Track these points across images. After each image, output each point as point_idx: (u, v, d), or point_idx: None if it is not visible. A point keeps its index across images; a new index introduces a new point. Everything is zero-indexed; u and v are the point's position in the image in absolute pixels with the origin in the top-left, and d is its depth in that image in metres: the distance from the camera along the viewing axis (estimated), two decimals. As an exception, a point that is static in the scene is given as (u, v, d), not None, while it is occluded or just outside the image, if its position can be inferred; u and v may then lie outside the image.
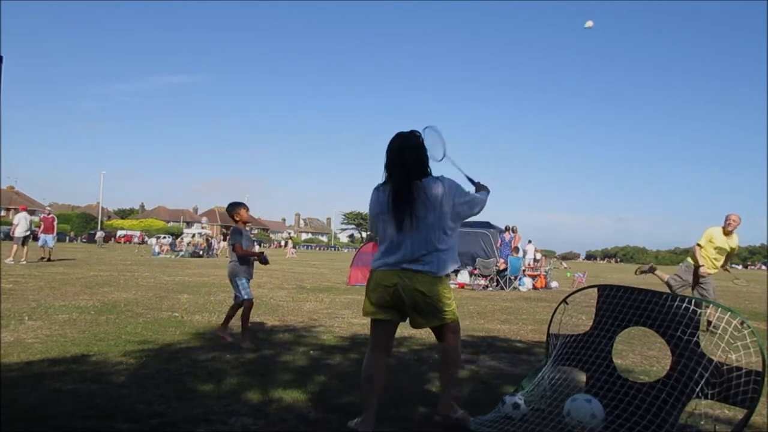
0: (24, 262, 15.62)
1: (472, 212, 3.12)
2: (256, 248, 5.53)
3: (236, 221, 5.40)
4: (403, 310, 3.01)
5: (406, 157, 3.01)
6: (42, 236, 17.43)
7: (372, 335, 3.14)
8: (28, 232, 16.84)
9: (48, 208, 19.01)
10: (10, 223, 18.69)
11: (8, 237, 17.16)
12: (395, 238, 2.98)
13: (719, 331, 3.15)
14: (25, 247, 16.42)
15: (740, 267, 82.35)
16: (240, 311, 5.35)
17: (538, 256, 19.13)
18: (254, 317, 7.17)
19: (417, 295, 2.94)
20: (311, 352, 5.07)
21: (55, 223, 18.06)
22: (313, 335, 6.00)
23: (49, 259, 17.12)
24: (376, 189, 3.12)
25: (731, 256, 7.97)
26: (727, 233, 7.68)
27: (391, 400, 3.54)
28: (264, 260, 5.40)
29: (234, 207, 5.41)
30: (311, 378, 4.06)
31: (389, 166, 3.05)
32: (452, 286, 14.50)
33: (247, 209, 5.48)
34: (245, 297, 5.28)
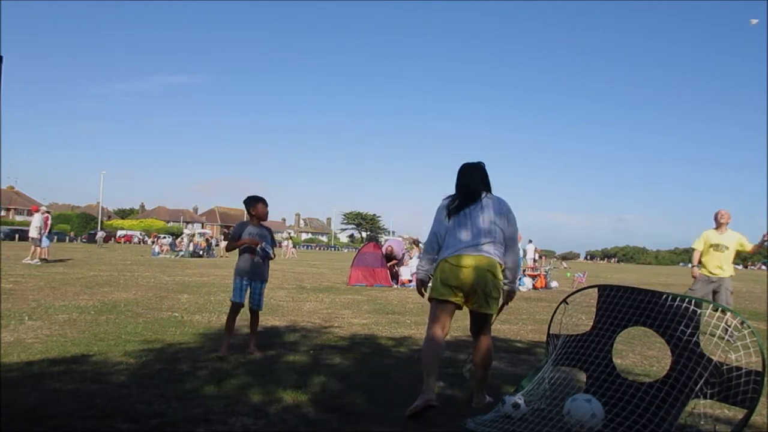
0: (39, 262, 16.30)
1: (512, 236, 3.62)
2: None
3: (251, 215, 4.98)
4: (466, 291, 3.44)
5: (477, 174, 3.74)
6: None
7: (432, 315, 3.56)
8: (39, 232, 17.44)
9: (43, 208, 19.20)
10: (10, 223, 18.84)
11: (8, 236, 17.31)
12: (467, 227, 3.51)
13: (726, 336, 3.15)
14: (38, 248, 17.12)
15: (740, 267, 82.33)
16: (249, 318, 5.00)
17: (537, 256, 19.13)
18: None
19: (488, 276, 3.42)
20: (311, 352, 5.07)
21: (49, 222, 18.21)
22: (314, 335, 6.00)
23: (45, 260, 17.20)
24: (449, 196, 3.72)
25: (753, 254, 7.75)
26: (719, 229, 7.58)
27: (391, 400, 3.54)
28: (262, 255, 4.88)
29: (251, 201, 4.98)
30: (311, 378, 4.06)
31: (462, 183, 3.72)
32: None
33: (266, 204, 5.04)
34: (231, 298, 4.88)
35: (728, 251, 7.51)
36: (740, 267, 79.00)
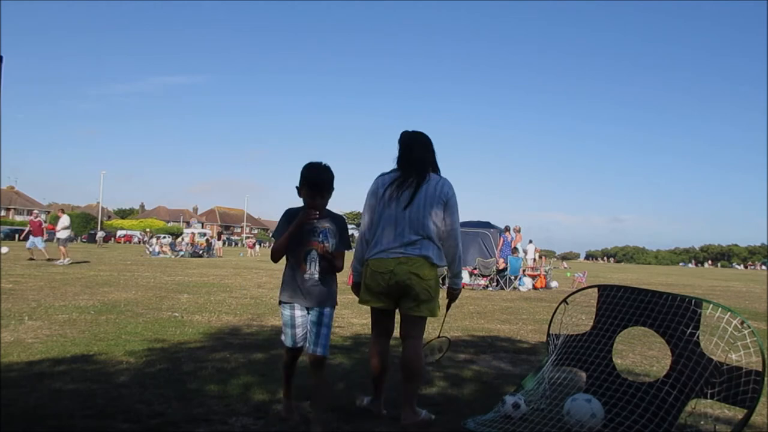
0: (68, 262, 16.72)
1: (452, 235, 3.22)
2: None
3: (300, 196, 3.02)
4: (397, 297, 3.18)
5: (417, 150, 3.26)
6: (31, 238, 18.31)
7: (373, 323, 3.36)
8: (68, 234, 18.36)
9: (36, 211, 19.82)
10: (11, 223, 19.11)
11: (8, 236, 17.55)
12: (391, 222, 3.17)
13: (719, 331, 3.15)
14: (64, 248, 17.66)
15: (741, 267, 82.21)
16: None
17: (537, 256, 19.10)
18: (254, 317, 7.18)
19: (413, 278, 3.09)
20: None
21: (44, 226, 18.86)
22: (313, 335, 5.99)
23: (32, 259, 17.65)
24: (382, 174, 3.32)
25: None
26: None
27: (390, 400, 3.54)
28: (328, 258, 2.98)
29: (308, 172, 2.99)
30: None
31: (399, 159, 3.29)
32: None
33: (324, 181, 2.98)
34: (284, 342, 3.07)
35: None
36: (740, 267, 78.98)
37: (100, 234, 44.38)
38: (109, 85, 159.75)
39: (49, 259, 17.43)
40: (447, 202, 3.17)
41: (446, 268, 3.33)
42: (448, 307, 3.54)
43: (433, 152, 3.31)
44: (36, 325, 5.85)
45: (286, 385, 3.19)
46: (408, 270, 3.09)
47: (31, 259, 17.56)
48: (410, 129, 3.35)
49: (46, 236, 19.08)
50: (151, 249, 30.15)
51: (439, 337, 3.83)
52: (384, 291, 3.17)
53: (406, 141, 3.29)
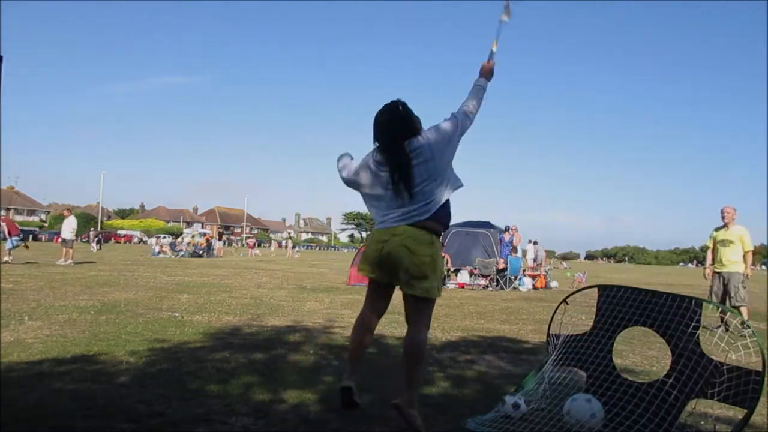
0: (71, 263, 16.51)
1: (465, 124, 3.08)
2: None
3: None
4: (389, 270, 3.01)
5: (394, 130, 3.04)
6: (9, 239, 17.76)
7: (365, 296, 3.24)
8: (74, 234, 18.06)
9: (2, 214, 19.40)
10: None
11: (6, 237, 17.32)
12: (385, 193, 3.03)
13: (718, 332, 3.15)
14: (72, 250, 17.50)
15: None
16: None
17: (541, 255, 19.01)
18: (254, 317, 7.18)
19: (402, 251, 2.93)
20: (311, 352, 5.07)
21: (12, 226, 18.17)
22: (314, 335, 6.00)
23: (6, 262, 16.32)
24: (372, 155, 3.13)
25: (748, 253, 7.84)
26: (725, 226, 7.88)
27: (389, 399, 3.53)
28: None
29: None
30: (311, 378, 4.06)
31: (379, 139, 3.09)
32: (452, 286, 14.50)
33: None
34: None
35: (733, 245, 7.74)
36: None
37: (92, 234, 40.36)
38: (109, 85, 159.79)
39: (4, 262, 15.46)
40: (439, 136, 2.99)
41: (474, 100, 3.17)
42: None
43: (404, 121, 3.05)
44: (36, 325, 5.85)
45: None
46: (401, 242, 2.92)
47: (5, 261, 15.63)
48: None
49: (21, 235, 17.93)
50: (165, 248, 30.08)
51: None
52: (376, 261, 3.03)
53: (378, 121, 3.09)
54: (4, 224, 17.42)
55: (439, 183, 2.99)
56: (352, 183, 3.24)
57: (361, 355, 3.23)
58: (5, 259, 15.75)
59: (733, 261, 7.76)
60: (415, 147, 2.97)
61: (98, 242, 33.14)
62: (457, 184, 3.13)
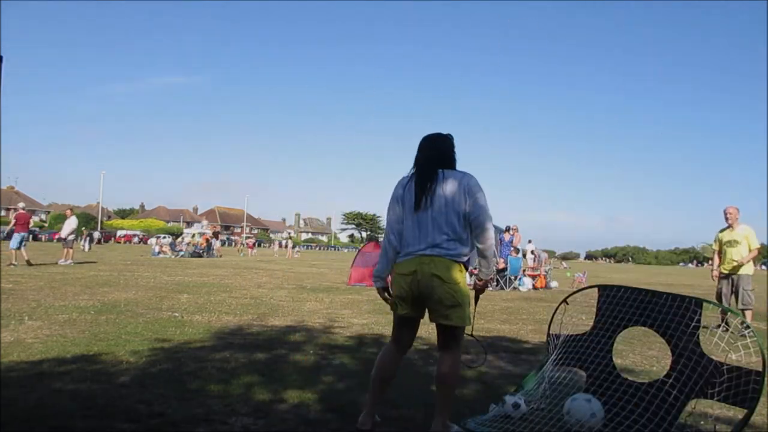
0: (71, 263, 16.26)
1: (478, 219, 2.97)
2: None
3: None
4: (422, 302, 2.98)
5: (434, 149, 3.11)
6: (15, 236, 16.86)
7: (392, 328, 3.17)
8: (74, 234, 17.79)
9: (21, 204, 18.22)
10: (11, 223, 18.06)
11: (8, 236, 17.08)
12: (415, 225, 3.00)
13: (718, 332, 3.15)
14: (71, 250, 17.24)
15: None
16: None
17: (542, 256, 18.94)
18: (254, 317, 7.18)
19: (435, 280, 2.90)
20: (311, 352, 5.07)
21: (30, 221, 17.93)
22: (313, 335, 6.00)
23: (13, 264, 15.11)
24: (402, 179, 3.15)
25: (753, 251, 7.75)
26: (730, 227, 7.84)
27: (391, 400, 3.53)
28: None
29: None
30: (311, 378, 4.07)
31: (417, 158, 3.13)
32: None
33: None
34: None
35: (739, 246, 7.69)
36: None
37: (84, 234, 36.70)
38: (109, 85, 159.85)
39: (10, 264, 14.35)
40: (469, 193, 2.95)
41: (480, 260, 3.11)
42: (476, 300, 3.30)
43: (447, 150, 3.13)
44: (36, 325, 5.85)
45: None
46: (430, 272, 2.90)
47: (12, 264, 14.46)
48: (428, 132, 3.20)
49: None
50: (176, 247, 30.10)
51: (470, 335, 3.38)
52: (406, 295, 2.98)
53: (422, 143, 3.17)
54: (13, 218, 16.23)
55: (458, 222, 2.97)
56: (391, 227, 3.15)
57: (382, 391, 3.13)
58: (12, 262, 14.65)
59: (736, 261, 7.69)
60: (446, 176, 3.01)
61: (90, 242, 32.70)
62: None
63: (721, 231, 7.99)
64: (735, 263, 7.68)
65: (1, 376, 3.76)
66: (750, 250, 7.69)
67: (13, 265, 14.36)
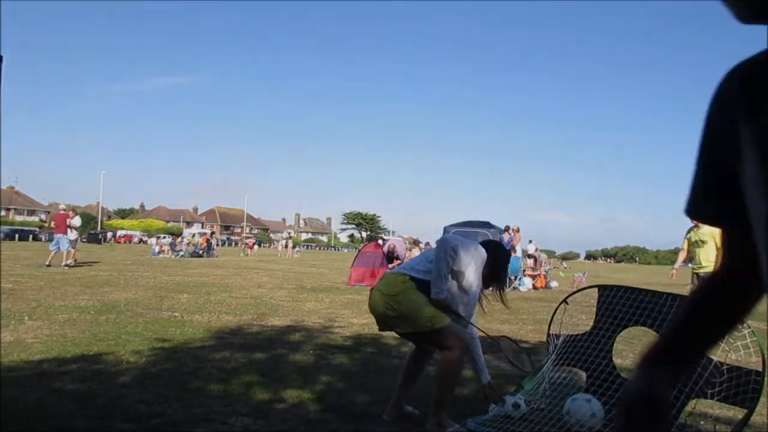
0: (72, 263, 15.81)
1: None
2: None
3: None
4: (383, 319, 3.21)
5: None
6: (55, 237, 17.11)
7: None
8: (77, 235, 17.25)
9: (62, 206, 18.32)
10: (11, 223, 17.99)
11: (8, 236, 16.98)
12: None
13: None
14: (75, 250, 16.73)
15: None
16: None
17: (541, 256, 18.92)
18: (254, 317, 7.18)
19: (377, 296, 3.16)
20: (311, 352, 5.07)
21: (69, 222, 17.91)
22: (314, 335, 6.00)
23: (49, 265, 15.85)
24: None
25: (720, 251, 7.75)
26: (698, 225, 7.56)
27: (389, 399, 3.53)
28: None
29: None
30: (311, 378, 4.06)
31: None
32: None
33: None
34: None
35: (706, 245, 7.51)
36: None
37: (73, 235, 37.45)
38: (109, 86, 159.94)
39: (66, 265, 14.75)
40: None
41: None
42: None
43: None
44: (36, 325, 5.85)
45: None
46: (376, 288, 3.22)
47: (48, 265, 14.62)
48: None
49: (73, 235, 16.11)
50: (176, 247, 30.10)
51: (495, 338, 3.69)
52: (376, 318, 3.25)
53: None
54: (53, 221, 16.09)
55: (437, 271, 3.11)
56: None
57: (406, 387, 3.33)
58: (66, 262, 14.84)
59: (711, 261, 7.44)
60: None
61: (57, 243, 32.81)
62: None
63: (690, 230, 7.82)
64: (707, 263, 7.44)
65: (1, 376, 3.76)
66: (717, 248, 7.41)
67: (63, 265, 14.76)
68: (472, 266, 3.19)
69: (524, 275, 15.43)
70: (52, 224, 16.26)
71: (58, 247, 15.20)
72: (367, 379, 4.10)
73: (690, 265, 8.20)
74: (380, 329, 3.33)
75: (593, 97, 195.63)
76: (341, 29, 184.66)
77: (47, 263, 14.79)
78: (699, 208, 0.83)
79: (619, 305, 3.43)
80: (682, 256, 7.98)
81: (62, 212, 16.34)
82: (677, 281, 9.19)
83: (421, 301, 3.07)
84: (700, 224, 7.49)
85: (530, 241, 19.41)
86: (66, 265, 15.11)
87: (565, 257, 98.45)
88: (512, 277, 14.86)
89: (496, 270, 3.35)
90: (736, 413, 3.25)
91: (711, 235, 7.50)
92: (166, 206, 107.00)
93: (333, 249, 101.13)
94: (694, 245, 7.71)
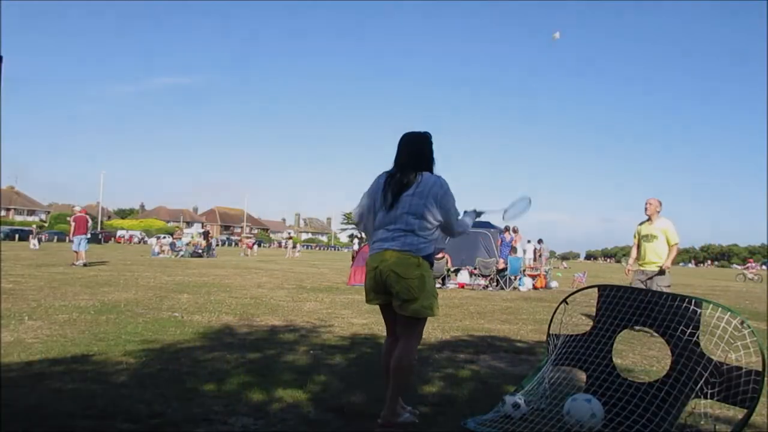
0: (80, 263, 16.05)
1: (447, 222, 3.20)
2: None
3: None
4: (381, 293, 3.16)
5: (411, 149, 3.25)
6: (76, 238, 17.44)
7: (385, 324, 3.36)
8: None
9: (77, 207, 18.57)
10: (11, 223, 18.20)
11: (8, 236, 17.08)
12: (381, 219, 3.19)
13: (719, 331, 3.15)
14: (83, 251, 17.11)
15: (739, 267, 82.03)
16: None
17: (544, 254, 18.88)
18: (254, 317, 7.18)
19: (391, 276, 3.06)
20: (311, 352, 5.07)
21: (90, 224, 17.94)
22: (314, 335, 6.00)
23: (74, 264, 16.45)
24: (379, 176, 3.30)
25: (673, 248, 7.24)
26: (649, 219, 7.32)
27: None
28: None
29: None
30: (312, 378, 4.06)
31: (395, 157, 3.27)
32: (452, 286, 14.50)
33: None
34: None
35: (656, 240, 7.18)
36: (739, 267, 78.78)
37: (35, 232, 36.66)
38: (109, 85, 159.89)
39: (85, 264, 15.77)
40: (439, 199, 3.12)
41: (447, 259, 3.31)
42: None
43: (425, 152, 3.27)
44: (36, 325, 5.85)
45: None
46: (389, 268, 3.07)
47: (74, 264, 15.66)
48: (412, 130, 3.33)
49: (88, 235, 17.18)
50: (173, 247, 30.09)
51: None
52: (372, 287, 3.19)
53: (400, 141, 3.31)
54: (73, 222, 16.61)
55: (421, 221, 3.11)
56: (360, 216, 3.39)
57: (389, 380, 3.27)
58: (78, 262, 15.59)
59: (661, 257, 7.14)
60: (419, 181, 3.14)
61: (39, 241, 33.03)
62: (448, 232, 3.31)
63: (641, 224, 7.46)
64: (655, 264, 7.14)
65: (1, 376, 3.76)
66: (669, 245, 7.18)
67: (81, 264, 15.56)
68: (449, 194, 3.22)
69: (524, 275, 15.43)
70: (73, 225, 16.80)
71: (80, 247, 16.09)
72: (366, 380, 4.10)
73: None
74: (368, 301, 3.27)
75: (593, 97, 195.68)
76: (341, 29, 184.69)
77: (83, 263, 15.71)
78: None
79: (618, 305, 3.43)
80: (635, 252, 7.51)
81: (81, 214, 16.95)
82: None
83: (432, 287, 3.14)
84: (653, 218, 7.21)
85: (529, 241, 19.44)
86: (85, 264, 15.68)
87: (565, 257, 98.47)
88: (512, 277, 14.85)
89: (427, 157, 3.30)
90: (736, 413, 3.25)
91: (663, 230, 7.17)
92: (166, 206, 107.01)
93: (333, 249, 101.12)
94: (643, 239, 7.31)
